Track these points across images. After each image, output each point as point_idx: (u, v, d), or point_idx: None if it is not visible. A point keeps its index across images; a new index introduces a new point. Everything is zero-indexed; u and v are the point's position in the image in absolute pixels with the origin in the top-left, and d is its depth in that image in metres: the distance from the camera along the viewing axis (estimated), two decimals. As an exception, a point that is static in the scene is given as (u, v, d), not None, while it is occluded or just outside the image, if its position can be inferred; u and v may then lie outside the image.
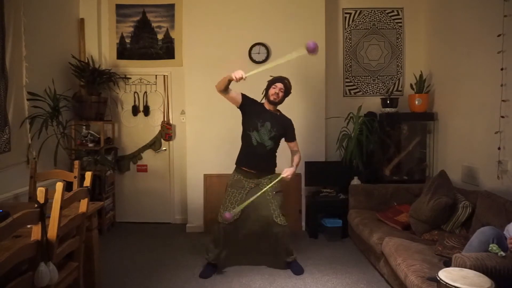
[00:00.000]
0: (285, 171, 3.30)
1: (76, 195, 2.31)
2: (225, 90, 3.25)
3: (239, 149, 3.50)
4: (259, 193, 3.21)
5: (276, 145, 3.45)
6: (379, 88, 4.92)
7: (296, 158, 3.46)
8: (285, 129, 3.44)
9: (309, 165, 4.56)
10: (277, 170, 3.51)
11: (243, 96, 3.40)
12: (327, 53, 4.66)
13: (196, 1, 4.59)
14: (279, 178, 3.29)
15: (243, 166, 3.40)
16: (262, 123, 3.34)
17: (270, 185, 3.29)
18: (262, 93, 3.53)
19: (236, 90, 3.36)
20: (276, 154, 3.51)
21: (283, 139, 3.50)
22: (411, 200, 3.64)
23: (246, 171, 3.39)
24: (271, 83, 3.40)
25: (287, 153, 3.56)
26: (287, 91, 3.40)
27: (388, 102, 4.52)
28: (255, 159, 3.36)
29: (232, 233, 3.40)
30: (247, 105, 3.39)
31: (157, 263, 3.70)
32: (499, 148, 3.24)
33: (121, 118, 5.00)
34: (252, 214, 3.36)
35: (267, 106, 3.43)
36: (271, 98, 3.36)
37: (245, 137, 3.41)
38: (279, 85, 3.36)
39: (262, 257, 3.66)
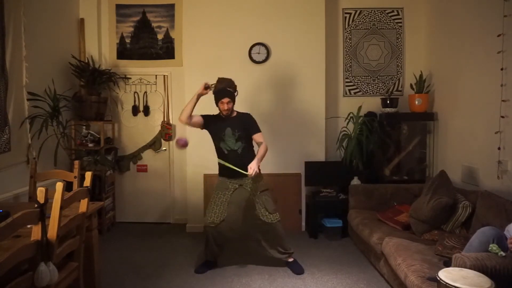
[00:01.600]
0: (249, 168, 3.22)
1: (76, 195, 2.31)
2: (190, 116, 3.36)
3: None
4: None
5: (247, 143, 3.46)
6: (379, 88, 4.92)
7: (261, 149, 3.40)
8: (245, 124, 3.45)
9: (309, 165, 4.56)
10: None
11: (204, 117, 3.47)
12: (327, 53, 4.65)
13: (196, 1, 4.59)
14: (258, 178, 3.35)
15: (224, 176, 3.48)
16: (223, 131, 3.41)
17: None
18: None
19: (195, 114, 3.45)
20: (254, 151, 3.52)
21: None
22: (411, 200, 3.64)
23: (227, 175, 3.45)
24: (217, 98, 3.39)
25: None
26: (233, 97, 3.41)
27: (388, 102, 4.51)
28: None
29: (220, 234, 3.44)
30: (209, 124, 3.48)
31: (157, 263, 3.70)
32: (499, 148, 3.24)
33: (121, 118, 5.00)
34: (239, 216, 3.41)
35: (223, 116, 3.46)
36: (224, 113, 3.40)
37: (217, 150, 3.49)
38: (225, 99, 3.35)
39: (262, 256, 3.66)
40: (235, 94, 3.45)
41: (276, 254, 3.49)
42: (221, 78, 3.46)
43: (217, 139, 3.45)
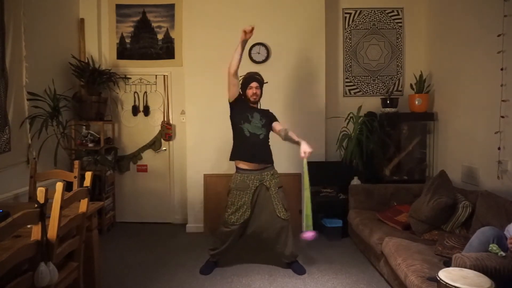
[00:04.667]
0: (303, 150, 3.20)
1: (76, 195, 2.31)
2: (238, 66, 3.29)
3: None
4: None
5: (268, 133, 3.49)
6: (379, 88, 4.92)
7: (291, 133, 3.39)
8: (269, 117, 3.53)
9: (309, 165, 4.53)
10: (275, 166, 3.54)
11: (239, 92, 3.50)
12: (327, 53, 4.65)
13: (196, 1, 4.59)
14: (304, 164, 3.25)
15: (240, 159, 3.41)
16: (252, 114, 3.41)
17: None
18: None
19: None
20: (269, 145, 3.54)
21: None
22: (411, 200, 3.64)
23: (246, 169, 3.38)
24: (245, 84, 3.45)
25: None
26: (261, 85, 3.49)
27: (388, 102, 4.52)
28: (250, 149, 3.37)
29: (238, 233, 3.42)
30: (239, 101, 3.45)
31: (157, 263, 3.70)
32: (499, 148, 3.24)
33: (121, 118, 5.00)
34: (256, 210, 3.40)
35: (250, 104, 3.51)
36: (252, 99, 3.43)
37: (237, 130, 3.43)
38: (254, 84, 3.43)
39: (263, 255, 3.66)
40: (263, 83, 3.51)
41: (280, 252, 3.47)
42: (249, 72, 3.54)
43: (242, 119, 3.38)
